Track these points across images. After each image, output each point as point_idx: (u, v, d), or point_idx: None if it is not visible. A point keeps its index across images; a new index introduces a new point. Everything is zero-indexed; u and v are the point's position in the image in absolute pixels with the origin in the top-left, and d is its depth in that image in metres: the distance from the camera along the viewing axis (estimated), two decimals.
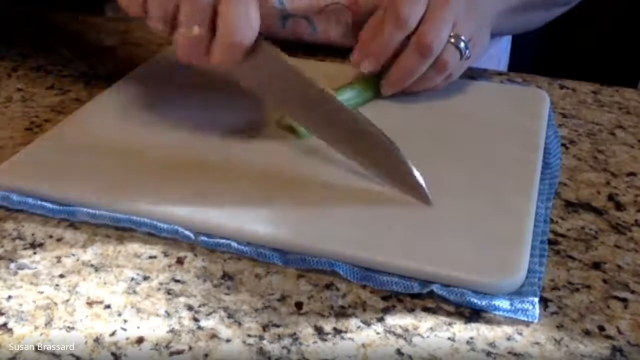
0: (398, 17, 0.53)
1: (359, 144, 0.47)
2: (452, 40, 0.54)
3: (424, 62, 0.53)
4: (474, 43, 0.56)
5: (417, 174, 0.45)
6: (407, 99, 0.58)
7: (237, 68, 0.48)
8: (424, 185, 0.45)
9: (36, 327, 0.38)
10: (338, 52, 0.68)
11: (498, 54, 0.81)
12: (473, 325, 0.38)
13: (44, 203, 0.46)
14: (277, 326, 0.38)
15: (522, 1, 0.64)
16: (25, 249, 0.43)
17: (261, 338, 0.37)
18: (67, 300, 0.39)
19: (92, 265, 0.42)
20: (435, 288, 0.39)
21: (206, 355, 0.36)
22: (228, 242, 0.43)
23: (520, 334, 0.38)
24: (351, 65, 0.57)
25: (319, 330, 0.38)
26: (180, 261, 0.42)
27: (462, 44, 0.54)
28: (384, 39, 0.54)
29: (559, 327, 0.38)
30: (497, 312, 0.39)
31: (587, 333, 0.38)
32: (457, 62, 0.55)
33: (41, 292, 0.40)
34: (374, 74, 0.57)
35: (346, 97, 0.55)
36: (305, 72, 0.47)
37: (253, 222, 0.43)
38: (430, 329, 0.38)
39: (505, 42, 0.84)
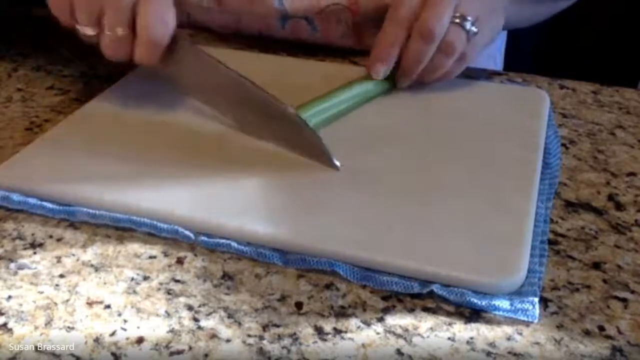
0: (425, 30, 0.54)
1: (282, 130, 0.50)
2: (457, 20, 0.54)
3: (428, 47, 0.54)
4: (481, 23, 0.56)
5: (317, 136, 0.48)
6: (406, 99, 0.58)
7: (164, 66, 0.52)
8: (326, 147, 0.48)
9: (36, 327, 0.37)
10: (338, 52, 0.68)
11: (494, 53, 0.81)
12: (473, 325, 0.38)
13: (44, 203, 0.46)
14: (277, 326, 0.38)
15: None
16: (25, 249, 0.43)
17: (261, 338, 0.37)
18: (67, 300, 0.39)
19: (92, 265, 0.42)
20: (435, 288, 0.39)
21: (206, 355, 0.36)
22: (228, 242, 0.43)
23: (520, 334, 0.38)
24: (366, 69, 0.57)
25: (319, 330, 0.38)
26: (180, 261, 0.42)
27: (467, 24, 0.54)
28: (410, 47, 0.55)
29: (559, 327, 0.38)
30: (497, 312, 0.39)
31: (587, 333, 0.38)
32: (464, 42, 0.55)
33: (41, 292, 0.40)
34: None
35: (363, 89, 0.56)
36: (223, 62, 0.51)
37: (253, 222, 0.43)
38: (430, 329, 0.38)
39: (500, 41, 0.84)
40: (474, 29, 0.55)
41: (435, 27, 0.53)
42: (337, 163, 0.48)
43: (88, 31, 0.51)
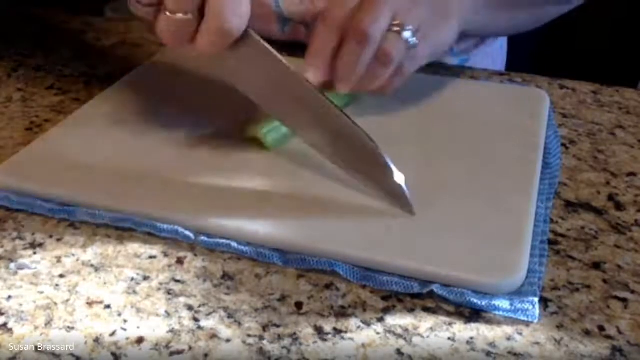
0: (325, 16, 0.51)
1: (344, 147, 0.46)
2: (396, 29, 0.50)
3: (362, 50, 0.50)
4: (425, 33, 0.52)
5: (401, 181, 0.44)
6: (406, 99, 0.58)
7: (221, 60, 0.47)
8: (407, 194, 0.44)
9: (36, 327, 0.37)
10: None
11: (493, 53, 0.81)
12: (473, 325, 0.38)
13: (44, 203, 0.46)
14: (277, 326, 0.38)
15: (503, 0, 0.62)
16: (25, 249, 0.43)
17: (261, 338, 0.37)
18: (67, 300, 0.39)
19: (92, 265, 0.42)
20: (435, 288, 0.39)
21: (206, 355, 0.36)
22: (228, 242, 0.43)
23: (520, 334, 0.38)
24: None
25: (319, 330, 0.38)
26: (180, 261, 0.42)
27: (406, 33, 0.51)
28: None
29: (559, 327, 0.38)
30: (497, 312, 0.39)
31: (587, 333, 0.38)
32: (402, 52, 0.51)
33: (41, 292, 0.40)
34: None
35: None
36: (293, 69, 0.46)
37: (253, 222, 0.43)
38: (430, 329, 0.38)
39: (501, 40, 0.83)
40: (414, 39, 0.51)
41: (369, 28, 0.49)
42: (414, 209, 0.44)
43: (146, 8, 0.45)
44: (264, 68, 0.47)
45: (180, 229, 0.43)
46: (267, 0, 0.68)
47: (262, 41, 0.46)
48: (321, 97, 0.46)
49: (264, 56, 0.47)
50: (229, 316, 0.38)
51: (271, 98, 0.48)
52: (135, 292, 0.40)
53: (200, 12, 0.44)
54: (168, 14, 0.44)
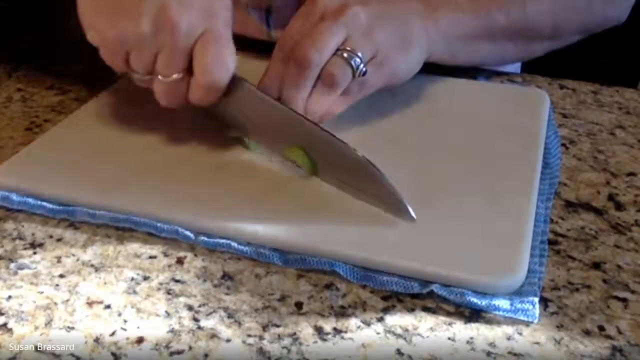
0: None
1: (347, 175, 0.47)
2: (345, 54, 0.50)
3: (305, 75, 0.49)
4: (380, 61, 0.52)
5: (401, 198, 0.44)
6: (406, 99, 0.58)
7: (219, 106, 0.50)
8: (408, 207, 0.44)
9: (36, 327, 0.38)
10: None
11: None
12: (473, 325, 0.38)
13: (44, 203, 0.46)
14: (277, 326, 0.38)
15: (477, 29, 0.59)
16: (25, 249, 0.43)
17: (261, 338, 0.37)
18: (67, 300, 0.39)
19: (92, 265, 0.42)
20: (435, 288, 0.39)
21: (206, 355, 0.36)
22: (228, 242, 0.43)
23: (520, 334, 0.38)
24: None
25: (319, 330, 0.38)
26: (180, 261, 0.42)
27: (355, 60, 0.50)
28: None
29: (559, 327, 0.38)
30: (497, 312, 0.39)
31: (587, 333, 0.38)
32: (349, 77, 0.50)
33: (41, 292, 0.40)
34: None
35: None
36: (280, 105, 0.48)
37: (253, 222, 0.43)
38: (430, 329, 0.38)
39: None
40: (362, 67, 0.50)
41: (310, 53, 0.49)
42: (413, 214, 0.44)
43: (142, 77, 0.49)
44: (254, 109, 0.50)
45: (180, 229, 0.43)
46: (258, 25, 0.68)
47: (249, 84, 0.49)
48: (316, 128, 0.47)
49: (254, 98, 0.49)
50: (229, 316, 0.38)
51: (264, 134, 0.50)
52: (135, 292, 0.40)
53: (189, 71, 0.48)
54: (161, 78, 0.48)
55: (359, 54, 0.50)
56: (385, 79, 0.53)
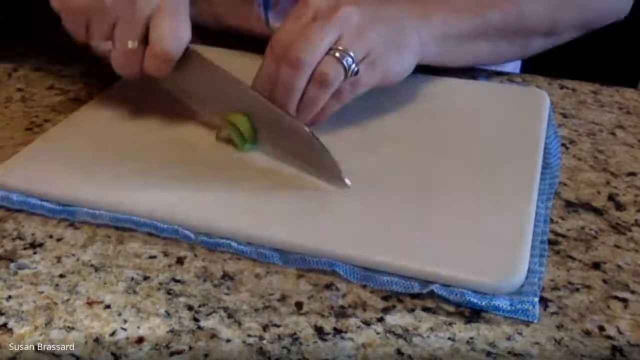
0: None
1: (287, 142, 0.49)
2: (337, 54, 0.50)
3: (297, 75, 0.49)
4: (372, 61, 0.52)
5: (336, 162, 0.47)
6: (406, 99, 0.58)
7: (174, 82, 0.53)
8: (339, 167, 0.47)
9: (36, 327, 0.38)
10: None
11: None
12: (473, 325, 0.38)
13: (44, 203, 0.46)
14: (277, 326, 0.38)
15: (471, 28, 0.59)
16: (25, 249, 0.43)
17: (261, 338, 0.37)
18: (67, 300, 0.39)
19: (92, 265, 0.42)
20: (435, 288, 0.39)
21: (206, 355, 0.36)
22: (228, 242, 0.43)
23: (520, 334, 0.38)
24: None
25: (319, 330, 0.38)
26: (180, 261, 0.42)
27: (347, 59, 0.50)
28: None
29: (559, 327, 0.38)
30: (497, 312, 0.39)
31: (587, 333, 0.38)
32: (341, 76, 0.50)
33: (41, 292, 0.40)
34: None
35: None
36: (233, 76, 0.50)
37: (253, 222, 0.43)
38: (430, 329, 0.38)
39: None
40: (354, 66, 0.50)
41: (302, 53, 0.49)
42: (348, 181, 0.47)
43: (102, 46, 0.52)
44: (208, 79, 0.52)
45: (180, 229, 0.43)
46: (257, 13, 0.68)
47: (206, 59, 0.51)
48: (264, 100, 0.50)
49: (207, 68, 0.51)
50: (229, 316, 0.38)
51: (218, 106, 0.52)
52: (135, 292, 0.40)
53: (145, 41, 0.50)
54: (118, 47, 0.51)
55: (351, 54, 0.50)
56: (378, 79, 0.53)
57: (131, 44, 0.50)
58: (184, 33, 0.50)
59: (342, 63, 0.50)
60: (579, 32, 0.65)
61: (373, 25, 0.52)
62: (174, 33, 0.50)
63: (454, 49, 0.59)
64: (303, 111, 0.51)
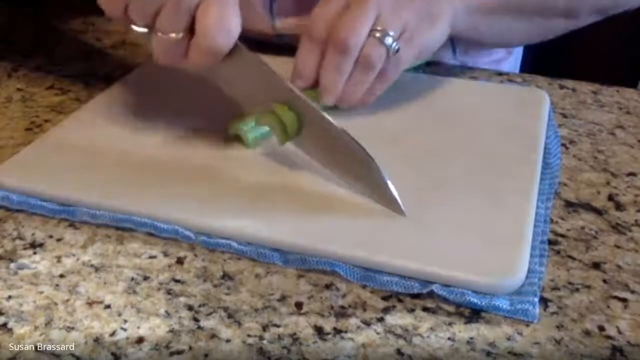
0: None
1: (338, 155, 0.47)
2: (378, 35, 0.51)
3: (343, 58, 0.51)
4: (409, 36, 0.53)
5: (393, 189, 0.44)
6: (406, 99, 0.58)
7: (215, 72, 0.49)
8: (398, 200, 0.44)
9: (36, 327, 0.38)
10: None
11: (516, 51, 0.80)
12: (473, 325, 0.38)
13: (44, 203, 0.46)
14: (277, 326, 0.38)
15: (501, 5, 0.60)
16: (25, 249, 0.43)
17: (261, 338, 0.37)
18: (67, 300, 0.39)
19: (92, 265, 0.42)
20: (435, 288, 0.39)
21: (206, 355, 0.36)
22: (228, 242, 0.43)
23: (520, 334, 0.38)
24: None
25: (319, 330, 0.38)
26: (180, 261, 0.42)
27: (388, 39, 0.51)
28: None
29: (559, 327, 0.38)
30: (497, 312, 0.39)
31: (587, 333, 0.38)
32: (384, 56, 0.52)
33: (41, 292, 0.40)
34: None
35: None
36: (281, 78, 0.48)
37: (253, 222, 0.43)
38: (430, 329, 0.38)
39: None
40: (395, 45, 0.51)
41: (348, 37, 0.50)
42: (403, 208, 0.44)
43: (141, 30, 0.47)
44: (254, 79, 0.48)
45: (180, 229, 0.43)
46: (263, 14, 0.68)
47: (251, 53, 0.47)
48: (309, 103, 0.47)
49: (254, 67, 0.48)
50: (229, 316, 0.38)
51: (261, 106, 0.49)
52: (135, 292, 0.40)
53: (191, 30, 0.46)
54: (160, 34, 0.46)
55: (391, 33, 0.51)
56: (415, 53, 0.54)
57: (175, 35, 0.46)
58: (234, 25, 0.45)
59: (383, 43, 0.51)
60: (598, 16, 0.65)
61: (408, 1, 0.53)
62: (223, 26, 0.45)
63: (484, 22, 0.60)
64: (349, 94, 0.52)
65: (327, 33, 0.52)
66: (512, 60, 0.79)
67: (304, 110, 0.48)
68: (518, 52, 0.81)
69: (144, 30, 0.47)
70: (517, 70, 0.82)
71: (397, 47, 0.52)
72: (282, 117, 0.48)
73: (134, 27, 0.47)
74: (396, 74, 0.54)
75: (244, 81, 0.49)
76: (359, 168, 0.46)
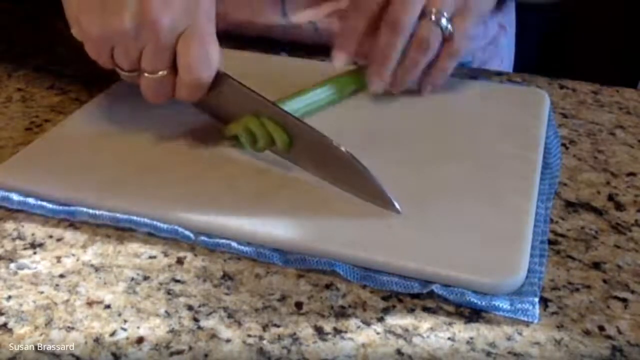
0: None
1: (331, 167, 0.47)
2: (432, 17, 0.52)
3: (396, 38, 0.52)
4: (465, 11, 0.54)
5: (389, 194, 0.45)
6: (406, 99, 0.58)
7: (204, 103, 0.51)
8: (396, 204, 0.44)
9: (36, 327, 0.37)
10: None
11: (500, 52, 0.80)
12: (473, 325, 0.38)
13: (44, 203, 0.46)
14: (277, 326, 0.38)
15: None
16: (25, 249, 0.43)
17: (261, 338, 0.37)
18: (67, 300, 0.39)
19: (92, 265, 0.42)
20: (435, 288, 0.39)
21: (206, 355, 0.36)
22: (228, 242, 0.43)
23: (520, 334, 0.38)
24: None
25: (319, 330, 0.38)
26: (180, 261, 0.42)
27: (443, 20, 0.52)
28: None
29: (559, 327, 0.38)
30: (497, 312, 0.39)
31: (587, 333, 0.38)
32: (439, 37, 0.53)
33: (41, 292, 0.40)
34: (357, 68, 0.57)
35: (325, 92, 0.56)
36: (266, 100, 0.49)
37: (253, 222, 0.43)
38: (430, 329, 0.38)
39: (507, 39, 0.83)
40: (449, 27, 0.53)
41: (402, 17, 0.51)
42: (398, 206, 0.44)
43: (128, 74, 0.49)
44: (241, 103, 0.50)
45: (180, 229, 0.43)
46: (273, 10, 0.68)
47: (235, 80, 0.49)
48: (297, 119, 0.48)
49: (239, 92, 0.49)
50: (229, 316, 0.38)
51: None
52: (135, 292, 0.40)
53: (175, 68, 0.47)
54: (146, 75, 0.48)
55: (445, 14, 0.52)
56: (476, 20, 0.55)
57: (160, 73, 0.47)
58: (214, 57, 0.48)
59: (439, 25, 0.52)
60: None
61: None
62: (204, 59, 0.47)
63: None
64: (403, 74, 0.53)
65: (378, 7, 0.52)
66: (509, 36, 0.80)
67: (292, 126, 0.48)
68: (511, 31, 0.81)
69: (133, 74, 0.48)
70: (512, 54, 0.83)
71: (451, 30, 0.53)
72: (256, 128, 0.49)
73: (122, 73, 0.49)
74: (465, 46, 0.55)
75: (232, 107, 0.50)
76: (353, 178, 0.46)
